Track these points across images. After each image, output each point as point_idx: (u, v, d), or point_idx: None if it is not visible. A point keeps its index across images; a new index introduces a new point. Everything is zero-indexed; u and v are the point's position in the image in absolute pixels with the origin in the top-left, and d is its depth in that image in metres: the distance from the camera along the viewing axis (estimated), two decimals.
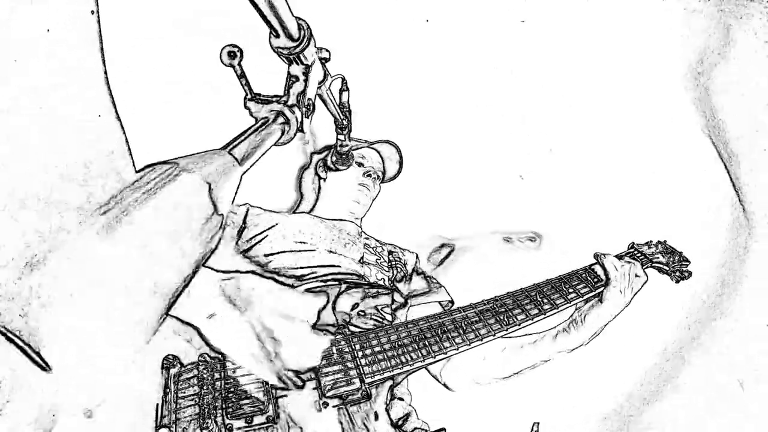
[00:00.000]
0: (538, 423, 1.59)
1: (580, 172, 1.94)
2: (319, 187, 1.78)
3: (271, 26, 1.02)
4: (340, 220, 1.65)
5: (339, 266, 1.46)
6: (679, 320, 1.81)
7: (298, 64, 1.18)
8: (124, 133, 1.45)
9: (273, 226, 1.49)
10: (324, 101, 1.51)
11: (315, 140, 1.96)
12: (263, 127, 1.12)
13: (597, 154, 1.92)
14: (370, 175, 1.76)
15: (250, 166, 1.07)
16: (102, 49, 1.37)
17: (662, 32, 1.84)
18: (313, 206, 1.77)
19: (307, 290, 1.33)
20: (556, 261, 1.91)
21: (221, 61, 1.09)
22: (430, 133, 1.95)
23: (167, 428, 1.06)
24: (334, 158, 1.72)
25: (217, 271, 1.22)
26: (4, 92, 1.31)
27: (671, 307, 1.80)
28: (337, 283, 1.37)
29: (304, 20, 1.11)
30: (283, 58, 1.16)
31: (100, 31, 1.35)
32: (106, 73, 1.37)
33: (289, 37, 1.06)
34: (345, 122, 1.63)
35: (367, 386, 1.15)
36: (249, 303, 1.19)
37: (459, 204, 1.97)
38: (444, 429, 1.29)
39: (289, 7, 0.99)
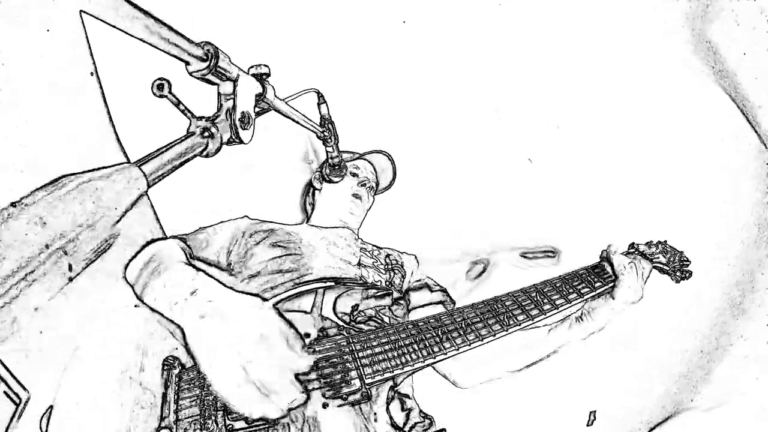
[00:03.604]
0: (595, 411, 1.57)
1: (578, 171, 1.94)
2: (314, 199, 1.80)
3: (179, 58, 1.14)
4: (336, 227, 1.66)
5: (335, 268, 1.46)
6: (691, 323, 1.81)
7: (223, 80, 1.28)
8: (118, 138, 1.46)
9: (270, 231, 1.50)
10: (289, 117, 1.56)
11: (318, 158, 1.98)
12: (181, 141, 1.22)
13: (596, 153, 1.92)
14: (364, 185, 1.78)
15: (163, 177, 1.17)
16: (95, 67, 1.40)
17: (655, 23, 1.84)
18: (309, 217, 1.79)
19: (300, 294, 1.32)
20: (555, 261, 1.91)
21: (153, 94, 1.17)
22: (423, 142, 1.96)
23: (168, 429, 1.06)
24: (327, 170, 1.76)
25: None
26: (4, 92, 1.31)
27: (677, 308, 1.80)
28: (333, 285, 1.37)
29: (206, 41, 1.21)
30: (207, 80, 1.26)
31: (101, 87, 1.39)
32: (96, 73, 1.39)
33: (199, 59, 1.18)
34: (326, 133, 1.66)
35: (367, 387, 1.15)
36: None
37: (456, 210, 1.97)
38: (444, 429, 1.29)
39: (183, 36, 1.10)
